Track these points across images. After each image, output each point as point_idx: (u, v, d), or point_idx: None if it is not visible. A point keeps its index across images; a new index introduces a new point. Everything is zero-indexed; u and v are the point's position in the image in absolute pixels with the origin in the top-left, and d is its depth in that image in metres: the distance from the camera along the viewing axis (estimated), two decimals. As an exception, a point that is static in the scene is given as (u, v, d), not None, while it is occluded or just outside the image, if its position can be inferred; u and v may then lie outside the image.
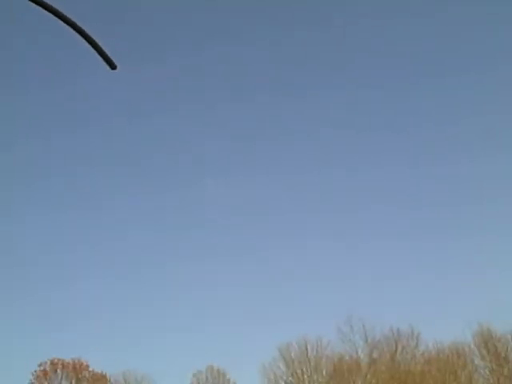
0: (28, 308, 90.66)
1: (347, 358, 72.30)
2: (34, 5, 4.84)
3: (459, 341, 70.06)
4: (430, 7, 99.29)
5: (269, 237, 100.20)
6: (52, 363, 74.13)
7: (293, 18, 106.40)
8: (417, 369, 69.78)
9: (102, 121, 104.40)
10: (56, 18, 4.87)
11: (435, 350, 71.44)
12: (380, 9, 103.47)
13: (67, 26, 4.91)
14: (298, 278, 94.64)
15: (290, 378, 72.80)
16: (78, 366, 74.87)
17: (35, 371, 73.51)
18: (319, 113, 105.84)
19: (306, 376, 72.12)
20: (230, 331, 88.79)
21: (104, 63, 4.56)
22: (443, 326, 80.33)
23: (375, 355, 72.09)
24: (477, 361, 70.27)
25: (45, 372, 73.87)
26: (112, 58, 4.47)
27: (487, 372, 69.85)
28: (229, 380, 76.52)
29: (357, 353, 72.56)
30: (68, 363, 74.50)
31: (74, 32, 4.95)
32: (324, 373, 72.69)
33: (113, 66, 4.60)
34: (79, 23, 4.96)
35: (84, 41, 4.96)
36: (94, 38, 4.99)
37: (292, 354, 72.75)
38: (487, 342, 69.17)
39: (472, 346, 69.86)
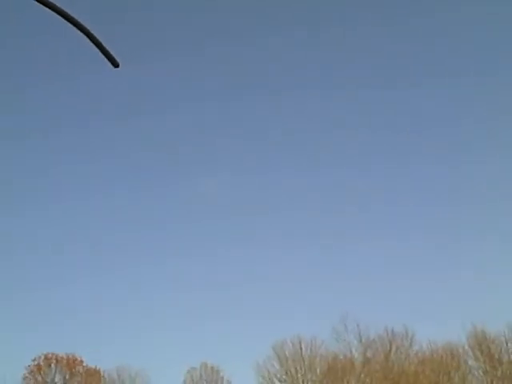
0: (23, 303, 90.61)
1: (341, 357, 72.46)
2: (34, 2, 4.81)
3: (453, 342, 70.38)
4: (430, 7, 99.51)
5: (265, 235, 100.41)
6: (46, 358, 74.13)
7: (293, 18, 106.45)
8: (411, 369, 69.95)
9: (102, 119, 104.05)
10: (58, 16, 4.85)
11: (429, 351, 71.70)
12: (380, 8, 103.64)
13: (69, 24, 4.89)
14: (293, 277, 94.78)
15: (284, 377, 72.92)
16: (71, 361, 74.89)
17: (29, 365, 73.61)
18: (320, 112, 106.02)
19: (299, 374, 72.24)
20: (225, 329, 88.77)
21: (106, 61, 4.54)
22: (437, 326, 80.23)
23: (369, 355, 72.26)
24: (471, 362, 70.55)
25: (39, 366, 73.89)
26: (115, 55, 4.46)
27: (481, 373, 70.04)
28: (222, 377, 76.67)
29: (351, 352, 72.78)
30: (62, 358, 74.51)
31: (75, 29, 4.92)
32: (318, 371, 72.84)
33: (115, 64, 4.58)
34: (79, 21, 4.94)
35: (86, 38, 4.93)
36: (96, 35, 4.97)
37: (286, 353, 72.90)
38: (481, 343, 69.34)
39: (466, 347, 70.14)
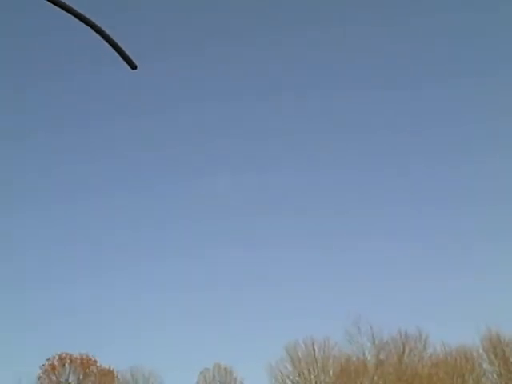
0: (37, 303, 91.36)
1: (354, 359, 72.22)
2: (48, 4, 4.90)
3: (467, 344, 69.92)
4: (430, 7, 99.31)
5: (278, 235, 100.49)
6: (60, 358, 74.60)
7: (293, 17, 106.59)
8: (424, 371, 69.58)
9: (118, 116, 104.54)
10: (75, 19, 4.94)
11: (443, 353, 71.26)
12: (380, 8, 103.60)
13: (85, 26, 4.97)
14: (306, 278, 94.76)
15: (297, 378, 72.81)
16: (85, 361, 75.30)
17: (43, 365, 74.11)
18: (319, 112, 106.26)
19: (312, 376, 72.10)
20: (238, 330, 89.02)
21: (124, 63, 4.63)
22: (451, 329, 79.88)
23: (382, 357, 71.94)
24: (485, 365, 70.04)
25: (53, 366, 74.37)
26: (132, 57, 4.55)
27: (495, 376, 69.53)
28: (235, 378, 76.75)
29: (364, 354, 72.49)
30: (76, 358, 74.94)
31: (92, 32, 5.01)
32: (331, 373, 72.65)
33: (133, 66, 4.67)
34: (98, 25, 5.02)
35: (103, 41, 5.02)
36: (113, 38, 5.05)
37: (299, 354, 72.79)
38: (496, 346, 68.86)
39: (480, 350, 69.66)
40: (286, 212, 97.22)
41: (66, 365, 74.83)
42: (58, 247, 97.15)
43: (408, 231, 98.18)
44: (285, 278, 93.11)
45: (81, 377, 74.90)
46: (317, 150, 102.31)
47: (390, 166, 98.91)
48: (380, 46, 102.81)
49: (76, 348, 74.27)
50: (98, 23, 5.05)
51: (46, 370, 74.07)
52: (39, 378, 73.61)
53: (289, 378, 72.92)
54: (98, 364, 75.37)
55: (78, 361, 75.02)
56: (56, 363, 74.48)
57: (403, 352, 71.27)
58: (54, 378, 74.07)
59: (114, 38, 5.04)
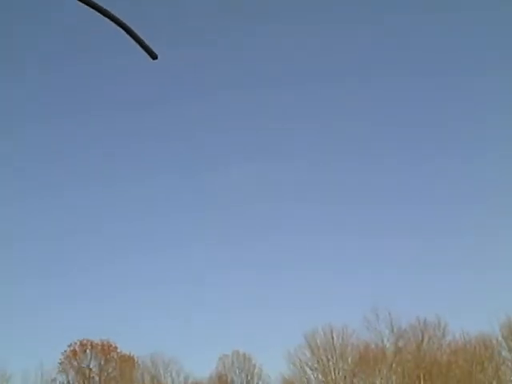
0: (60, 290, 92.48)
1: (373, 346, 72.37)
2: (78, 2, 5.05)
3: (486, 332, 69.69)
4: (432, 7, 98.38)
5: (298, 224, 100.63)
6: (81, 344, 75.68)
7: (293, 18, 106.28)
8: (443, 359, 69.54)
9: (130, 109, 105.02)
10: (97, 12, 5.09)
11: (462, 341, 71.15)
12: (382, 8, 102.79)
13: (105, 18, 5.12)
14: (325, 266, 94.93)
15: (316, 365, 73.15)
16: (106, 348, 76.29)
17: (65, 351, 75.24)
18: (320, 111, 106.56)
19: (331, 363, 72.39)
20: (257, 317, 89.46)
21: (145, 53, 4.76)
22: (470, 317, 79.59)
23: (401, 344, 71.97)
24: (504, 353, 69.79)
25: (74, 352, 75.47)
26: (152, 48, 4.68)
27: (514, 364, 69.30)
28: (254, 365, 77.30)
29: (382, 342, 72.57)
30: (97, 344, 75.96)
31: (113, 24, 5.15)
32: (349, 360, 72.87)
33: (153, 56, 4.81)
34: (117, 16, 5.17)
35: (123, 32, 5.16)
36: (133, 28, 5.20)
37: (318, 341, 73.08)
38: (515, 334, 68.56)
39: (500, 338, 69.40)
40: (302, 200, 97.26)
41: (88, 351, 75.89)
42: (79, 236, 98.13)
43: (429, 221, 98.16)
44: (304, 267, 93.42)
45: (102, 362, 75.93)
46: (317, 149, 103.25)
47: (419, 162, 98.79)
48: (380, 45, 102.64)
49: (97, 334, 75.38)
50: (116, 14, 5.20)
51: (67, 356, 75.20)
52: (61, 363, 74.87)
53: (307, 365, 73.35)
54: (118, 350, 76.37)
55: (99, 347, 76.03)
56: (77, 349, 75.59)
57: (422, 340, 71.23)
58: (75, 363, 75.19)
59: (134, 30, 5.18)
